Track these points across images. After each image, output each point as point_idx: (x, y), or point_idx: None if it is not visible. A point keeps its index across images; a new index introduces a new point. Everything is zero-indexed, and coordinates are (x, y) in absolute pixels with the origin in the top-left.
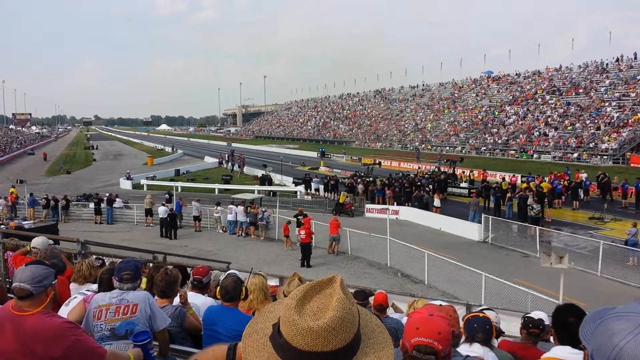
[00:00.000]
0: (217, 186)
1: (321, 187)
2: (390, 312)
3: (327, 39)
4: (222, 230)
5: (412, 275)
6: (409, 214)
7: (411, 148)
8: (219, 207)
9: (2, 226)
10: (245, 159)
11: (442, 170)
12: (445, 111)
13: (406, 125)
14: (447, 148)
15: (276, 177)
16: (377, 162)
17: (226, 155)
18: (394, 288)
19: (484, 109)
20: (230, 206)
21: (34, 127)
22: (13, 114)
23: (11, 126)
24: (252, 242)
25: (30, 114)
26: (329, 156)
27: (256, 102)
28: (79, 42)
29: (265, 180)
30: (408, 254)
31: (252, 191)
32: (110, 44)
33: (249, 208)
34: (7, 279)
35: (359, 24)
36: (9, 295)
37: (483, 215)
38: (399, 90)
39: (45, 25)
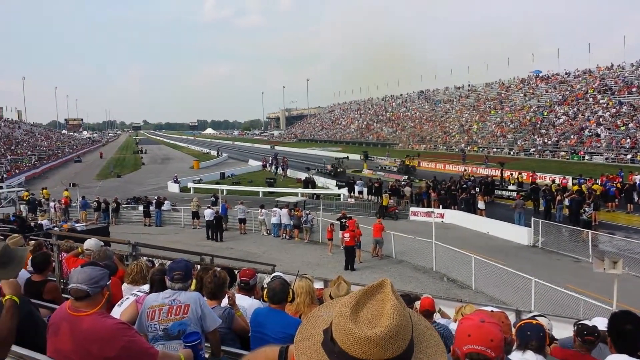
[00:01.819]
0: (261, 189)
1: (365, 189)
2: (436, 317)
3: (370, 41)
4: (267, 233)
5: (458, 280)
6: (454, 217)
7: (456, 150)
8: (263, 210)
9: (55, 228)
10: (289, 162)
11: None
12: (492, 112)
13: (451, 127)
14: (494, 150)
15: (319, 180)
16: (347, 157)
17: (270, 158)
18: (440, 293)
19: (532, 109)
20: (275, 209)
21: (85, 132)
22: (65, 119)
23: (64, 131)
24: (295, 244)
25: (82, 120)
26: (372, 158)
27: (299, 106)
28: (129, 49)
29: (309, 183)
30: (454, 258)
31: (296, 194)
32: (158, 51)
33: (292, 211)
34: (61, 280)
35: (402, 25)
36: (63, 295)
37: (533, 219)
38: (443, 91)
39: (95, 33)
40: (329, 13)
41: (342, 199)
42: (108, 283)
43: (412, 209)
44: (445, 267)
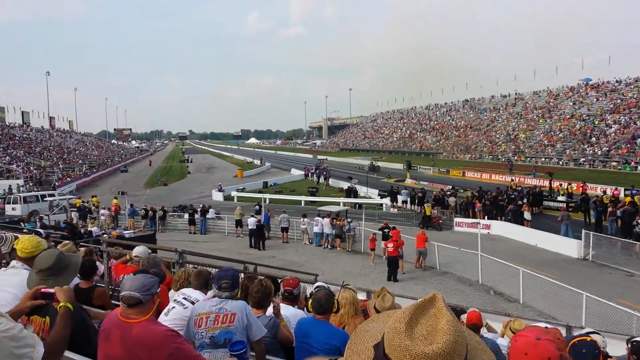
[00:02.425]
0: (303, 198)
1: (408, 199)
2: (483, 331)
3: (414, 50)
4: (309, 242)
5: (505, 294)
6: (501, 228)
7: (503, 159)
8: (305, 219)
9: (104, 235)
10: (331, 171)
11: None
12: (540, 121)
13: (497, 136)
14: (542, 159)
15: (362, 190)
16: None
17: (312, 167)
18: (486, 306)
19: (582, 118)
20: (317, 218)
21: (134, 142)
22: (115, 129)
23: (113, 141)
24: (337, 254)
25: (130, 129)
26: (415, 168)
27: (341, 115)
28: (176, 61)
29: (351, 192)
30: (501, 270)
31: (338, 203)
32: (204, 62)
33: (335, 220)
34: (110, 286)
35: (447, 33)
36: (112, 302)
37: (583, 231)
38: (489, 100)
39: (143, 46)
40: (373, 22)
41: (384, 209)
42: (158, 290)
43: (456, 219)
44: (491, 280)
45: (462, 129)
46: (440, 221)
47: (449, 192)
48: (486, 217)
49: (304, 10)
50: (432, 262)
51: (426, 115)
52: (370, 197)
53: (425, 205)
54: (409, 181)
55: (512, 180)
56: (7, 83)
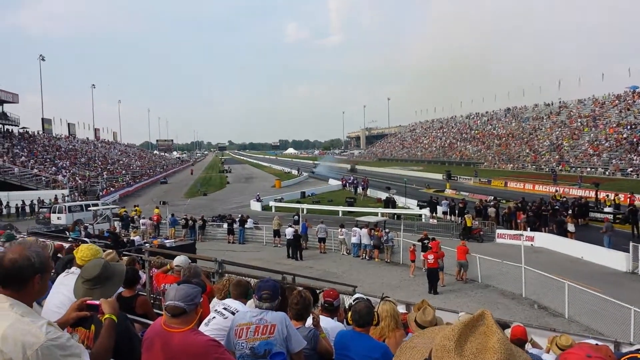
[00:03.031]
0: (341, 208)
1: (448, 210)
2: (527, 347)
3: (454, 58)
4: (346, 253)
5: (550, 308)
6: (545, 240)
7: (547, 169)
8: (343, 229)
9: (146, 244)
10: (369, 181)
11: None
12: (585, 129)
13: (540, 145)
14: (588, 169)
15: (400, 200)
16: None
17: (350, 177)
18: (530, 321)
19: (629, 127)
20: (355, 228)
21: (175, 152)
22: (157, 140)
23: (155, 151)
24: (375, 265)
25: (172, 140)
26: (456, 178)
27: (380, 125)
28: (215, 73)
29: (389, 202)
30: (545, 284)
31: (376, 214)
32: (242, 73)
33: (373, 231)
34: (151, 295)
35: (488, 40)
36: (154, 311)
37: (631, 244)
38: (532, 108)
39: (184, 60)
40: (411, 31)
41: (423, 219)
42: (201, 300)
43: (498, 231)
44: (535, 294)
45: (504, 138)
46: (482, 233)
47: (491, 203)
48: (529, 228)
49: (341, 19)
50: (473, 274)
51: (467, 124)
52: (408, 208)
53: (466, 216)
54: (448, 191)
55: (556, 190)
56: (55, 96)
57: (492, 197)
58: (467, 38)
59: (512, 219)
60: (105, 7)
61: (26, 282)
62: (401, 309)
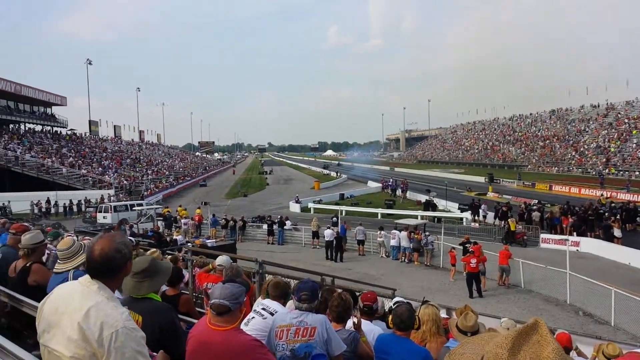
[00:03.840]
0: (380, 211)
1: (490, 214)
2: (573, 355)
3: (496, 58)
4: (385, 255)
5: (595, 315)
6: (591, 245)
7: (593, 172)
8: (382, 232)
9: (188, 244)
10: (409, 183)
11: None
12: (634, 132)
13: (587, 148)
14: (636, 173)
15: (440, 203)
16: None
17: (389, 180)
18: (574, 328)
19: None
20: (394, 231)
21: (216, 154)
22: (199, 142)
23: (197, 153)
24: (415, 268)
25: (213, 142)
26: (498, 181)
27: (420, 127)
28: (257, 76)
29: (429, 205)
30: (591, 290)
31: (416, 216)
32: (283, 76)
33: (412, 233)
34: (194, 293)
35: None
36: (197, 309)
37: None
38: (578, 110)
39: (227, 63)
40: (452, 32)
41: (464, 223)
42: (245, 300)
43: (542, 235)
44: (580, 300)
45: (549, 140)
46: (525, 237)
47: (535, 207)
48: (575, 233)
49: (382, 23)
50: (516, 279)
51: (510, 126)
52: (449, 211)
53: (509, 220)
54: (491, 194)
55: (602, 195)
56: (102, 99)
57: (537, 201)
58: (511, 39)
59: (557, 223)
60: (151, 13)
61: (117, 272)
62: (442, 313)
